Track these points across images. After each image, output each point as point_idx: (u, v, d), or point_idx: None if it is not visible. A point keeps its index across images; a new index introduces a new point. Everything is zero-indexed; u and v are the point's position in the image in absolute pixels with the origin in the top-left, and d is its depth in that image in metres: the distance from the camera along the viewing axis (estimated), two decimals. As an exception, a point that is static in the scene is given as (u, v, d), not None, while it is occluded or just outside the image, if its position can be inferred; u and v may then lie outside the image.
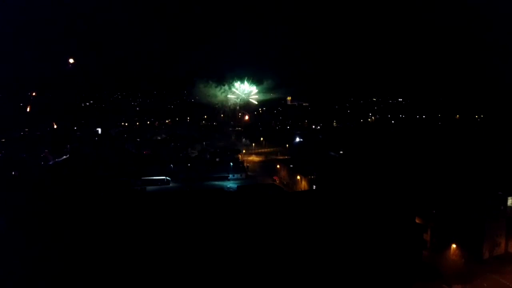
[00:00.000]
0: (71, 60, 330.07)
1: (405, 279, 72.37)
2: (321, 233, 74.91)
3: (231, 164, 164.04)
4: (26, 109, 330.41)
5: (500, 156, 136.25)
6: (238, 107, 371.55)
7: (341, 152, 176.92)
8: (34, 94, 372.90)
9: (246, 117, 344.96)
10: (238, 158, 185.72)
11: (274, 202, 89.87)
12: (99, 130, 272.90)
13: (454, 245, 79.42)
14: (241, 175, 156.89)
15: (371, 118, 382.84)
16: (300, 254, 71.07)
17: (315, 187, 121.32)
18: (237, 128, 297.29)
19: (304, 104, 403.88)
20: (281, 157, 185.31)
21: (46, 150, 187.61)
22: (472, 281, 74.11)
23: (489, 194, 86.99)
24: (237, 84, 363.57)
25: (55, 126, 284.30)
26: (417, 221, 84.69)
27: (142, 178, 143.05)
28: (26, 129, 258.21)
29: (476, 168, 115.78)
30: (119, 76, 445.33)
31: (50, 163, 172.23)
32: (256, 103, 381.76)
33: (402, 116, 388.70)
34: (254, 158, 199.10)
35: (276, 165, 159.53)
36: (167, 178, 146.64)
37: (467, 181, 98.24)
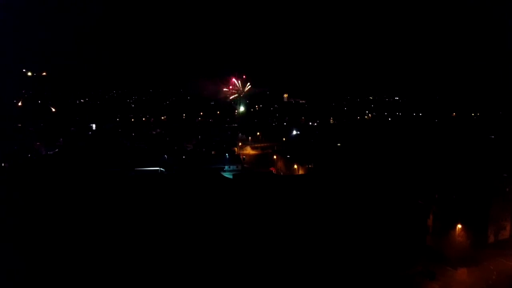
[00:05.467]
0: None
1: (408, 261, 69.42)
2: (325, 215, 72.16)
3: (227, 155, 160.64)
4: (21, 105, 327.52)
5: (503, 142, 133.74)
6: (234, 104, 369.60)
7: (339, 144, 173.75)
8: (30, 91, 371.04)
9: (243, 114, 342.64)
10: (234, 151, 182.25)
11: (274, 183, 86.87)
12: (94, 126, 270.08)
13: (459, 226, 76.24)
14: (237, 167, 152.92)
15: (367, 115, 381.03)
16: (304, 238, 68.35)
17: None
18: (233, 125, 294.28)
19: (301, 102, 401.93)
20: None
21: (37, 143, 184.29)
22: (477, 264, 71.44)
23: (494, 177, 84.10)
24: (233, 81, 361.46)
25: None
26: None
27: (136, 169, 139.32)
28: (20, 124, 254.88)
29: (479, 152, 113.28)
30: (115, 74, 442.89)
31: (42, 154, 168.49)
32: (253, 100, 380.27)
33: (398, 114, 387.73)
34: (250, 151, 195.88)
35: (273, 156, 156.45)
36: (161, 169, 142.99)
37: (470, 166, 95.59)
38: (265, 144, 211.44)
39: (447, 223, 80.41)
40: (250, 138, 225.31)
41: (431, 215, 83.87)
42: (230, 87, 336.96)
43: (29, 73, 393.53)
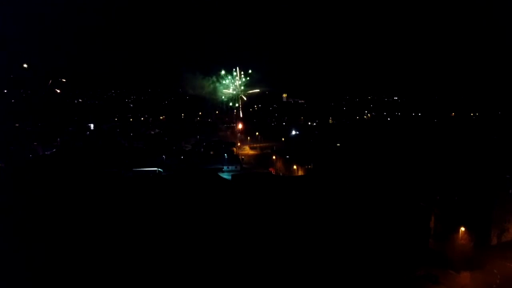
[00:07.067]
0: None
1: (410, 264, 68.20)
2: (325, 217, 70.99)
3: (226, 156, 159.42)
4: (19, 105, 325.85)
5: (505, 142, 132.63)
6: (233, 104, 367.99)
7: (338, 144, 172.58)
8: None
9: (241, 114, 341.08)
10: (233, 151, 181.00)
11: (273, 184, 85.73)
12: (92, 125, 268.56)
13: (462, 228, 75.10)
14: (236, 167, 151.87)
15: (367, 115, 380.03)
16: (304, 240, 67.15)
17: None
18: (232, 124, 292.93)
19: (300, 101, 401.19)
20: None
21: (35, 143, 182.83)
22: (481, 267, 70.11)
23: (496, 178, 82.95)
24: (232, 81, 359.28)
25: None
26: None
27: (133, 169, 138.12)
28: (17, 124, 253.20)
29: (481, 153, 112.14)
30: (113, 73, 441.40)
31: (39, 154, 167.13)
32: (252, 100, 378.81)
33: (397, 113, 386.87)
34: (249, 151, 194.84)
35: (272, 157, 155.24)
36: (159, 169, 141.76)
37: (472, 167, 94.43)
38: (264, 144, 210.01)
39: (449, 225, 79.23)
40: (249, 138, 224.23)
41: (432, 218, 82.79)
42: (230, 87, 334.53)
43: (28, 73, 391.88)
